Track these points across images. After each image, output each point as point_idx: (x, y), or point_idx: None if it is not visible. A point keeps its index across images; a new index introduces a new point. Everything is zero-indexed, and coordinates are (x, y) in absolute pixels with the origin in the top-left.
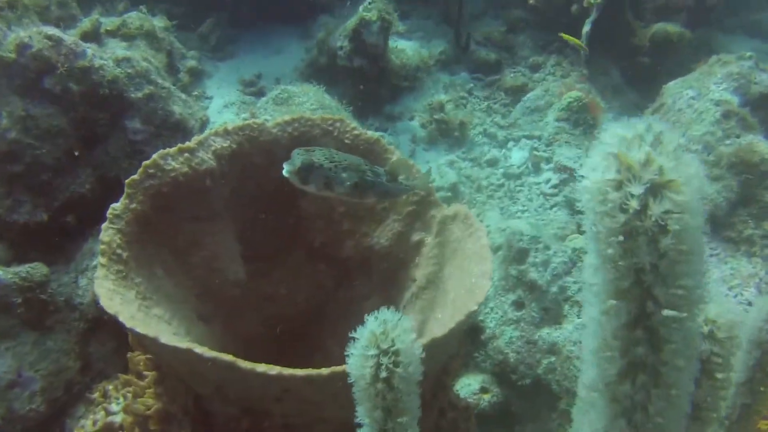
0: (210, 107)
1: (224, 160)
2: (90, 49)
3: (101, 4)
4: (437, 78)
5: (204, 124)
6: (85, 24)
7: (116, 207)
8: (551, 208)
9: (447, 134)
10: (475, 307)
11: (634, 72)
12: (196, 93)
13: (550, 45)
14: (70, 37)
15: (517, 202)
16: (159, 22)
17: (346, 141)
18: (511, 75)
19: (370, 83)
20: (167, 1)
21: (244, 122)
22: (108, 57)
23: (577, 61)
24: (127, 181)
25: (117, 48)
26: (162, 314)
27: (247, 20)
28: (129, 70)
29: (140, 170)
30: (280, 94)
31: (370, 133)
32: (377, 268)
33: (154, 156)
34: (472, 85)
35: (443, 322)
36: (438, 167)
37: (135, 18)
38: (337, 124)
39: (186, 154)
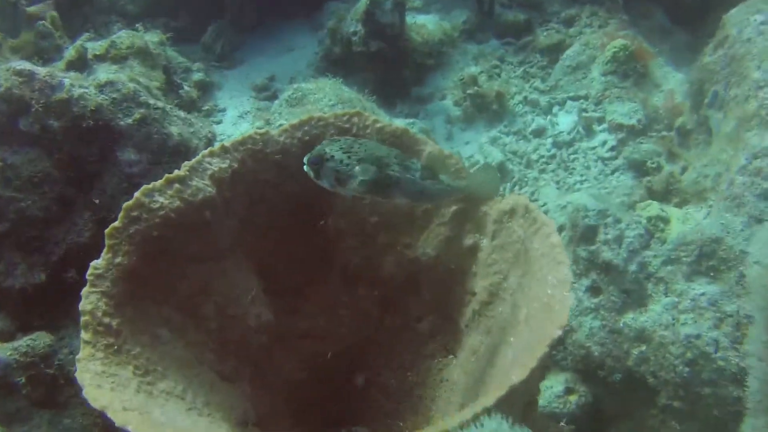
0: (224, 120)
1: (225, 184)
2: (68, 78)
3: (95, 28)
4: (464, 50)
5: (210, 141)
6: (70, 53)
7: (97, 265)
8: (612, 173)
9: (484, 109)
10: (558, 333)
11: (679, 10)
12: (207, 107)
13: None
14: (43, 70)
15: (573, 172)
16: (152, 38)
17: (369, 137)
18: (545, 34)
19: (392, 66)
20: (165, 15)
21: (243, 135)
22: (89, 84)
23: (614, 7)
24: (106, 231)
25: (107, 72)
26: (172, 388)
27: (251, 22)
28: (114, 95)
29: (121, 214)
30: (293, 94)
31: (396, 124)
32: (427, 284)
33: (137, 194)
34: (503, 51)
35: (519, 355)
36: (480, 147)
37: (124, 37)
38: (355, 119)
39: (176, 185)
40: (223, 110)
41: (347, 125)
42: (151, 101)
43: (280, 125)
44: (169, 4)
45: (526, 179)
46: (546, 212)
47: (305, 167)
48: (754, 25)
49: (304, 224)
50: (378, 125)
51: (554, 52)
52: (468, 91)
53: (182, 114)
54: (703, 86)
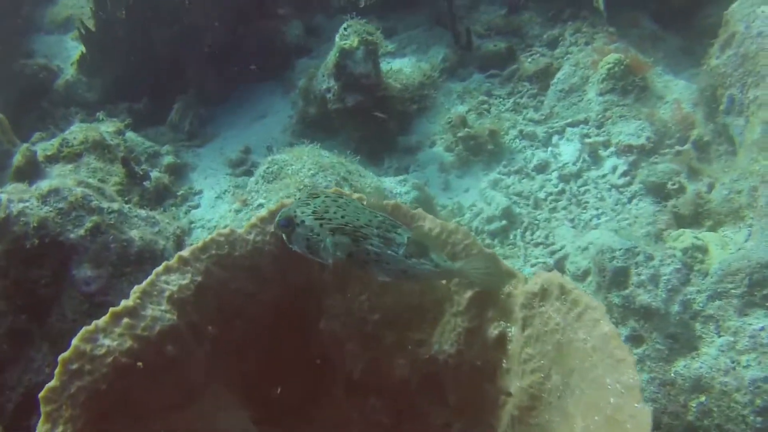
0: (201, 203)
1: (188, 305)
2: (3, 194)
3: (55, 123)
4: (448, 89)
5: (180, 238)
6: (18, 159)
7: None
8: (630, 201)
9: (479, 151)
10: None
11: (667, 12)
12: (182, 191)
13: (562, 13)
14: None
15: (587, 206)
16: (108, 127)
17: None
18: (529, 60)
19: (373, 119)
20: (127, 99)
21: (204, 240)
22: (30, 195)
23: (598, 20)
24: (40, 395)
25: (59, 175)
26: None
27: (218, 92)
28: (60, 205)
29: (57, 370)
30: (268, 168)
31: (385, 199)
32: (451, 385)
33: (74, 341)
34: (488, 85)
35: None
36: (482, 193)
37: (77, 132)
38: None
39: (125, 320)
40: (200, 192)
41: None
42: (105, 205)
43: (259, 205)
44: (128, 87)
45: (536, 222)
46: (565, 257)
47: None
48: (763, 18)
49: (292, 334)
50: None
51: (543, 77)
52: (459, 134)
53: (143, 213)
54: (715, 92)
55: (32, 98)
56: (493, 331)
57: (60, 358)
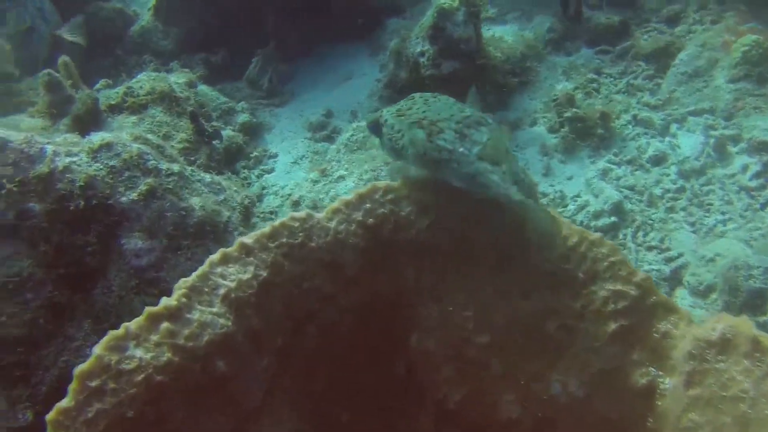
0: (276, 167)
1: (250, 307)
2: (50, 145)
3: (126, 70)
4: (553, 63)
5: (248, 209)
6: (77, 107)
7: None
8: (764, 207)
9: (587, 135)
10: None
11: None
12: (256, 153)
13: None
14: (18, 135)
15: (711, 209)
16: (179, 78)
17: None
18: (646, 36)
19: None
20: (204, 50)
21: (274, 225)
22: (80, 150)
23: None
24: (48, 417)
25: (122, 126)
26: None
27: (300, 49)
28: (112, 163)
29: (73, 386)
30: (353, 135)
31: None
32: None
33: (96, 349)
34: (598, 62)
35: None
36: (588, 184)
37: (144, 81)
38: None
39: (164, 325)
40: (275, 156)
41: (429, 200)
42: (163, 166)
43: (340, 177)
44: (207, 37)
45: (650, 222)
46: (684, 266)
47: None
48: None
49: (375, 348)
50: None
51: (661, 57)
52: (565, 114)
53: (207, 177)
54: None
55: (105, 44)
56: (640, 379)
57: (77, 371)
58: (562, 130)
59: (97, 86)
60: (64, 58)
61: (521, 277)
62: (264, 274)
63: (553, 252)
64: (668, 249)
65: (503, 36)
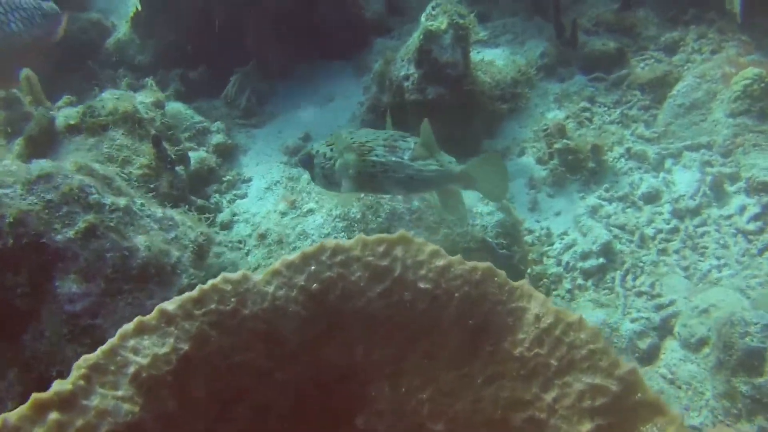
0: (249, 193)
1: (165, 388)
2: None
3: (100, 85)
4: (544, 90)
5: (203, 248)
6: (30, 126)
7: None
8: (762, 253)
9: (577, 168)
10: None
11: None
12: (229, 177)
13: (684, 13)
14: None
15: (705, 253)
16: (146, 98)
17: (422, 284)
18: (643, 65)
19: (456, 117)
20: (181, 65)
21: (202, 288)
22: (14, 180)
23: (727, 25)
24: None
25: (80, 149)
26: None
27: (282, 67)
28: (49, 196)
29: None
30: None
31: (469, 264)
32: None
33: None
34: (592, 89)
35: None
36: (576, 221)
37: (107, 99)
38: (397, 252)
39: (52, 417)
40: (248, 180)
41: (384, 262)
42: (107, 200)
43: (309, 211)
44: (185, 52)
45: (641, 264)
46: (675, 315)
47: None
48: None
49: (318, 429)
50: (439, 263)
51: (658, 87)
52: (555, 145)
53: (159, 212)
54: None
55: (79, 56)
56: None
57: None
58: (552, 162)
59: (59, 103)
60: (26, 72)
61: (488, 360)
62: (185, 347)
63: (522, 330)
64: (659, 295)
65: (494, 60)
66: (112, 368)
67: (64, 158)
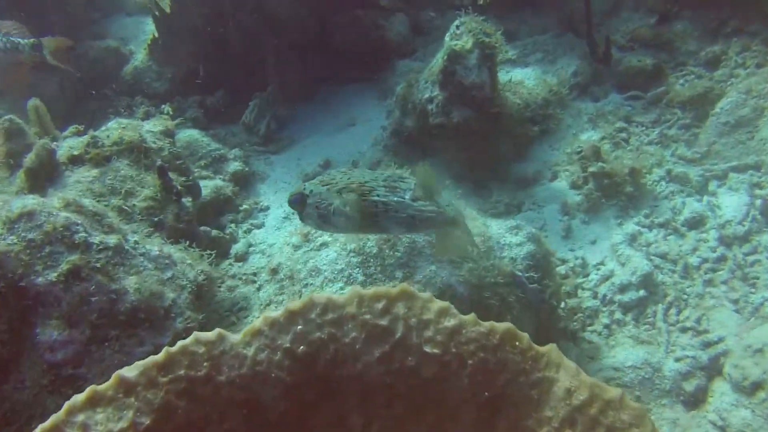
0: (266, 222)
1: None
2: None
3: (115, 113)
4: (578, 110)
5: (203, 289)
6: (30, 158)
7: None
8: None
9: (614, 192)
10: None
11: None
12: (246, 206)
13: (724, 25)
14: None
15: (757, 284)
16: (155, 127)
17: (428, 348)
18: (682, 81)
19: (483, 140)
20: (199, 92)
21: (170, 351)
22: None
23: None
24: None
25: (81, 181)
26: None
27: (303, 91)
28: (31, 235)
29: None
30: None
31: (484, 325)
32: None
33: None
34: (628, 108)
35: None
36: (614, 250)
37: (113, 129)
38: (399, 309)
39: None
40: (266, 209)
41: (384, 321)
42: (96, 239)
43: (323, 245)
44: (203, 79)
45: (685, 297)
46: (725, 353)
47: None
48: None
49: None
50: (449, 323)
51: (699, 105)
52: (590, 169)
53: (155, 250)
54: None
55: (95, 84)
56: None
57: None
58: (586, 186)
59: (66, 133)
60: (35, 101)
61: None
62: (147, 421)
63: (550, 406)
64: (706, 331)
65: (523, 80)
66: None
67: (65, 191)
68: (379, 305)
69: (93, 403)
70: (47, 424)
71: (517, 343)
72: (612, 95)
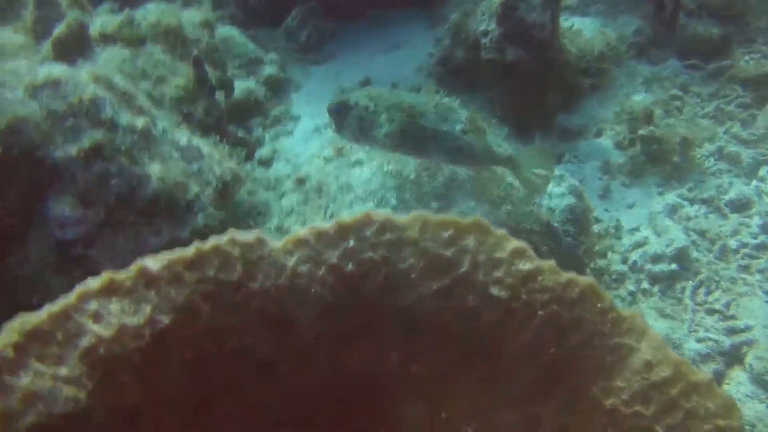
0: (295, 132)
1: (128, 372)
2: None
3: None
4: (633, 70)
5: (229, 187)
6: (60, 29)
7: None
8: None
9: (660, 160)
10: None
11: None
12: (276, 112)
13: None
14: None
15: None
16: (194, 16)
17: (494, 290)
18: (748, 58)
19: (534, 84)
20: None
21: (201, 248)
22: (19, 82)
23: None
24: None
25: (112, 60)
26: None
27: (350, 7)
28: (55, 105)
29: None
30: None
31: (566, 275)
32: None
33: None
34: (686, 77)
35: None
36: (651, 218)
37: (151, 10)
38: (468, 242)
39: None
40: (297, 119)
41: (448, 252)
42: (123, 119)
43: (357, 162)
44: None
45: (717, 279)
46: (749, 343)
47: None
48: None
49: None
50: (524, 266)
51: (763, 86)
52: (639, 131)
53: (183, 139)
54: None
55: None
56: None
57: None
58: (632, 149)
59: (100, 9)
60: None
61: (565, 405)
62: (165, 320)
63: (623, 377)
64: (733, 317)
65: (582, 30)
66: (60, 337)
67: (94, 68)
68: (446, 234)
69: (109, 291)
70: (56, 308)
71: (598, 303)
72: (671, 61)
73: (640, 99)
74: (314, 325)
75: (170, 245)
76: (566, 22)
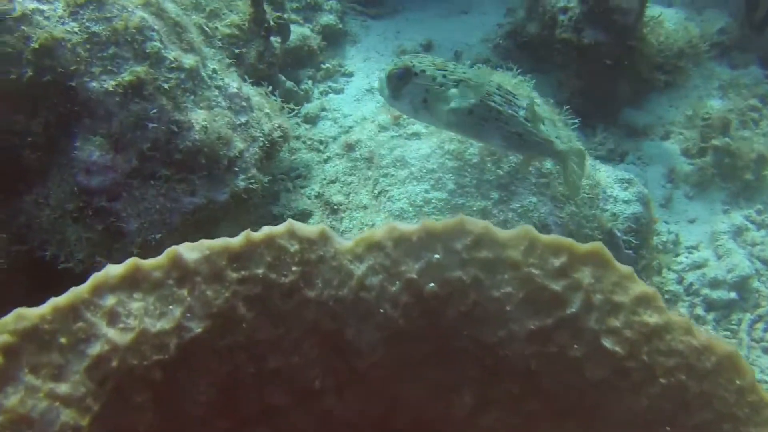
0: (346, 89)
1: (146, 390)
2: None
3: None
4: (710, 71)
5: (274, 146)
6: None
7: None
8: None
9: (731, 175)
10: None
11: None
12: (328, 65)
13: None
14: None
15: None
16: None
17: (607, 341)
18: None
19: (605, 72)
20: None
21: (250, 237)
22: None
23: None
24: None
25: None
26: None
27: None
28: (96, 27)
29: None
30: None
31: (702, 338)
32: None
33: None
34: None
35: None
36: (712, 238)
37: None
38: (583, 274)
39: None
40: (350, 75)
41: (556, 285)
42: (170, 54)
43: (414, 134)
44: None
45: None
46: None
47: (380, 81)
48: None
49: None
50: (650, 319)
51: None
52: (713, 141)
53: (233, 85)
54: None
55: None
56: None
57: None
58: (702, 159)
59: None
60: None
61: None
62: (197, 328)
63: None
64: None
65: (665, 21)
66: (64, 341)
67: None
68: (557, 261)
69: (132, 282)
70: (62, 301)
71: (737, 379)
72: (752, 67)
73: (720, 105)
74: (376, 351)
75: (203, 209)
76: (651, 9)
